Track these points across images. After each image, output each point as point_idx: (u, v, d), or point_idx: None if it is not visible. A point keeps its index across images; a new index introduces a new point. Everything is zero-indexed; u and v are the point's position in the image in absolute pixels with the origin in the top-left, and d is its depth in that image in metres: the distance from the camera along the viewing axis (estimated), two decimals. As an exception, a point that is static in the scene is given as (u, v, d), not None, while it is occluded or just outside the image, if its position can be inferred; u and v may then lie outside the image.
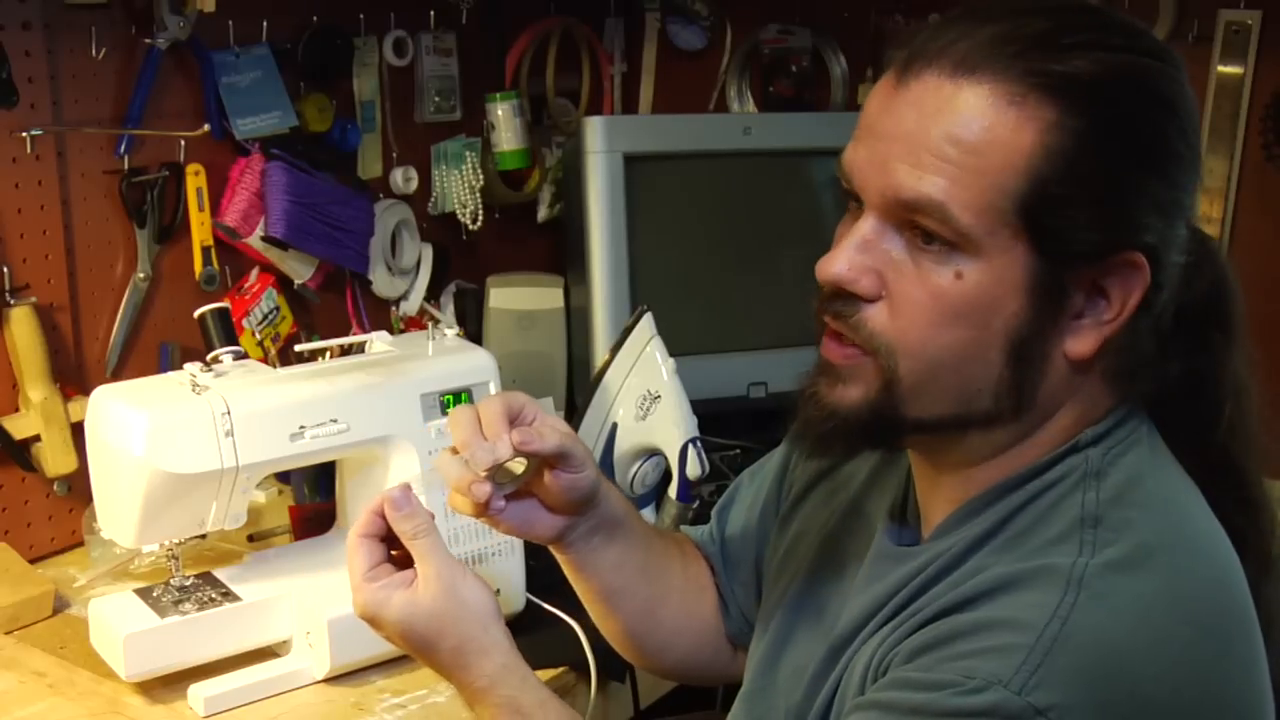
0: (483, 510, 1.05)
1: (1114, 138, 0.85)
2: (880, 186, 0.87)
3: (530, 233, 2.17)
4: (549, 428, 1.06)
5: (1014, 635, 0.81)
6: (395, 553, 1.07)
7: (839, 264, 0.89)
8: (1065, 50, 0.85)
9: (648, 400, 1.60)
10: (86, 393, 1.44)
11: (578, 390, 2.02)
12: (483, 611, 1.04)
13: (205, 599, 1.32)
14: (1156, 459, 0.92)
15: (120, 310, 1.63)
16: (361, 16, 1.86)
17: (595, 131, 1.87)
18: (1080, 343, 0.88)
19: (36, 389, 1.51)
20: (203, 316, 1.46)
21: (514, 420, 1.05)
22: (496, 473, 1.04)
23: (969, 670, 0.81)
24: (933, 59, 0.86)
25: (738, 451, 1.84)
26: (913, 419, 0.91)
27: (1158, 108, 0.87)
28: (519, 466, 1.08)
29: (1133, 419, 0.93)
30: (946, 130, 0.85)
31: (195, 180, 1.66)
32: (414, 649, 1.05)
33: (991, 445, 0.92)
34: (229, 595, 1.33)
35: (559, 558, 1.16)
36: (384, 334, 1.46)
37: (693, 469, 1.56)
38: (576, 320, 2.01)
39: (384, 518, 1.05)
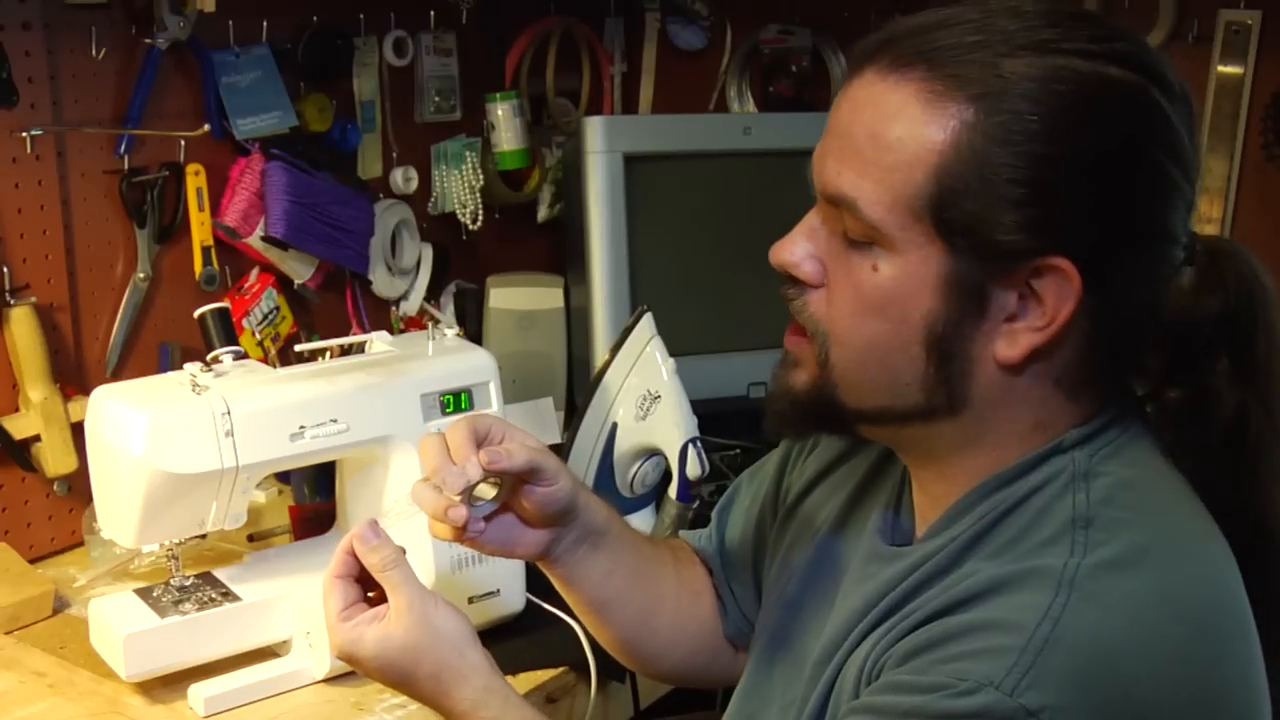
0: (462, 534, 1.05)
1: (1036, 141, 0.83)
2: (817, 182, 0.92)
3: (530, 233, 2.17)
4: (517, 445, 1.06)
5: (1005, 637, 0.81)
6: (372, 594, 1.07)
7: (785, 249, 0.94)
8: (1002, 53, 0.84)
9: (648, 400, 1.60)
10: (86, 393, 1.44)
11: (578, 390, 2.02)
12: (457, 637, 1.04)
13: (205, 599, 1.32)
14: (1148, 461, 0.92)
15: (120, 310, 1.63)
16: (361, 16, 1.86)
17: (595, 131, 1.87)
18: (1010, 347, 0.88)
19: (36, 389, 1.51)
20: (203, 316, 1.46)
21: (481, 442, 1.06)
22: (470, 496, 1.05)
23: (961, 672, 0.81)
24: (874, 56, 0.89)
25: (738, 451, 1.84)
26: (852, 408, 0.93)
27: (1105, 117, 0.84)
28: (492, 489, 1.09)
29: (1121, 422, 0.92)
30: (869, 127, 0.87)
31: (195, 180, 1.66)
32: (393, 681, 1.05)
33: (944, 441, 0.93)
34: (229, 595, 1.33)
35: (548, 574, 1.17)
36: (384, 334, 1.45)
37: (693, 469, 1.56)
38: (576, 320, 2.01)
39: (355, 556, 1.05)
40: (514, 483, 1.08)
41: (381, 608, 1.05)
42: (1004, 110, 0.83)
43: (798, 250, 0.93)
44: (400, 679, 1.04)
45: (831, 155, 0.90)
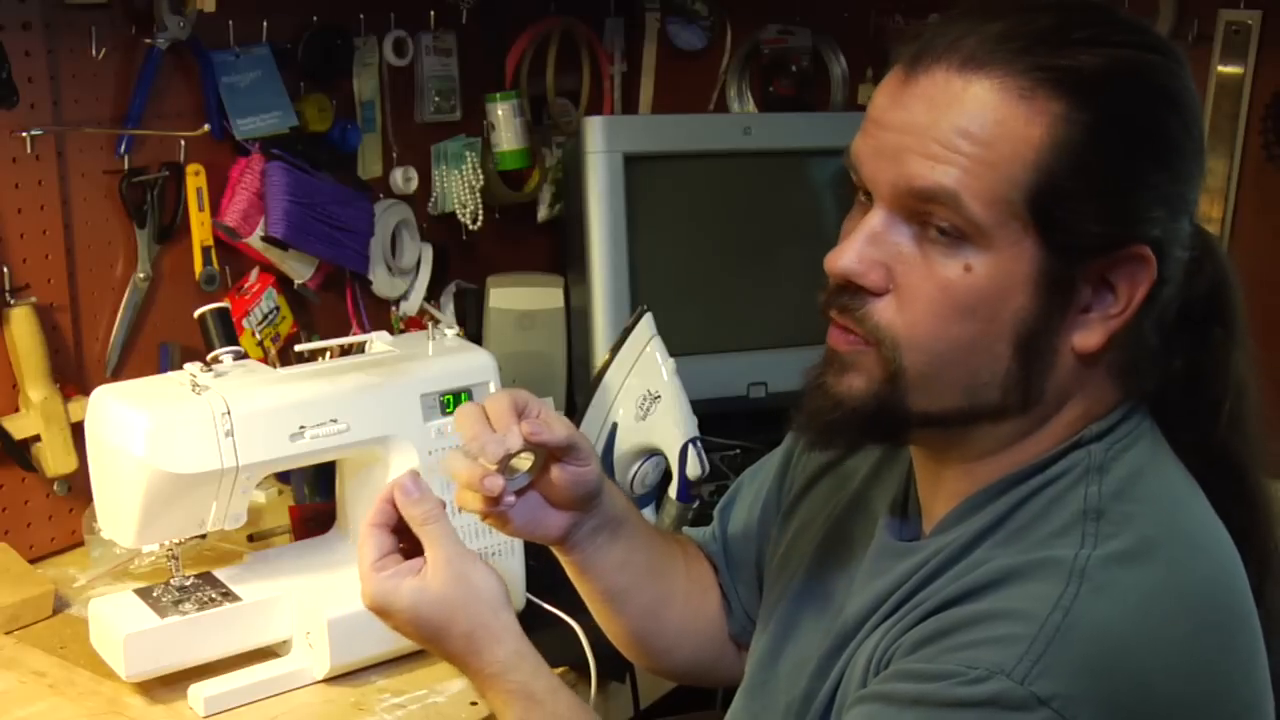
0: (493, 505, 1.04)
1: (1120, 131, 0.86)
2: (892, 178, 0.88)
3: (530, 233, 2.17)
4: (556, 419, 1.06)
5: (1016, 626, 0.82)
6: (403, 545, 1.06)
7: (848, 257, 0.89)
8: (1071, 45, 0.86)
9: (648, 400, 1.59)
10: (86, 393, 1.44)
11: (578, 390, 2.02)
12: (493, 597, 1.03)
13: (205, 599, 1.32)
14: (1158, 455, 0.93)
15: (120, 310, 1.63)
16: (361, 16, 1.86)
17: (595, 131, 1.87)
18: (1088, 336, 0.89)
19: (36, 389, 1.51)
20: (203, 316, 1.46)
21: (521, 414, 1.05)
22: (506, 467, 1.04)
23: (971, 660, 0.82)
24: (941, 54, 0.87)
25: (738, 451, 1.84)
26: (918, 412, 0.91)
27: (1161, 102, 0.88)
28: (527, 461, 1.08)
29: (1136, 415, 0.93)
30: (957, 123, 0.86)
31: (195, 180, 1.66)
32: (425, 637, 1.04)
33: (998, 439, 0.93)
34: (229, 595, 1.33)
35: (564, 560, 1.16)
36: (384, 334, 1.46)
37: (693, 469, 1.56)
38: (576, 320, 2.01)
39: (395, 506, 1.04)
40: (546, 460, 1.08)
41: (418, 560, 1.04)
42: (1092, 103, 0.85)
43: (862, 256, 0.89)
44: (432, 635, 1.03)
45: (913, 150, 0.87)
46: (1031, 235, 0.86)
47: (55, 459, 1.53)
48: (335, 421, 1.30)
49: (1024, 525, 0.89)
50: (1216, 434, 0.95)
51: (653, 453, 1.62)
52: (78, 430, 1.43)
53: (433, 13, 1.95)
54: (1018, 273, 0.86)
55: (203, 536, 1.37)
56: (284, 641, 1.34)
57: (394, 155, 1.95)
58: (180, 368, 1.29)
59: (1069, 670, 0.80)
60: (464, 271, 2.08)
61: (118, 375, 1.62)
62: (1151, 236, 0.87)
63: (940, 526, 0.95)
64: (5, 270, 1.49)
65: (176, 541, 1.31)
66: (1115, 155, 0.86)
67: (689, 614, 1.21)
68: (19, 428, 1.51)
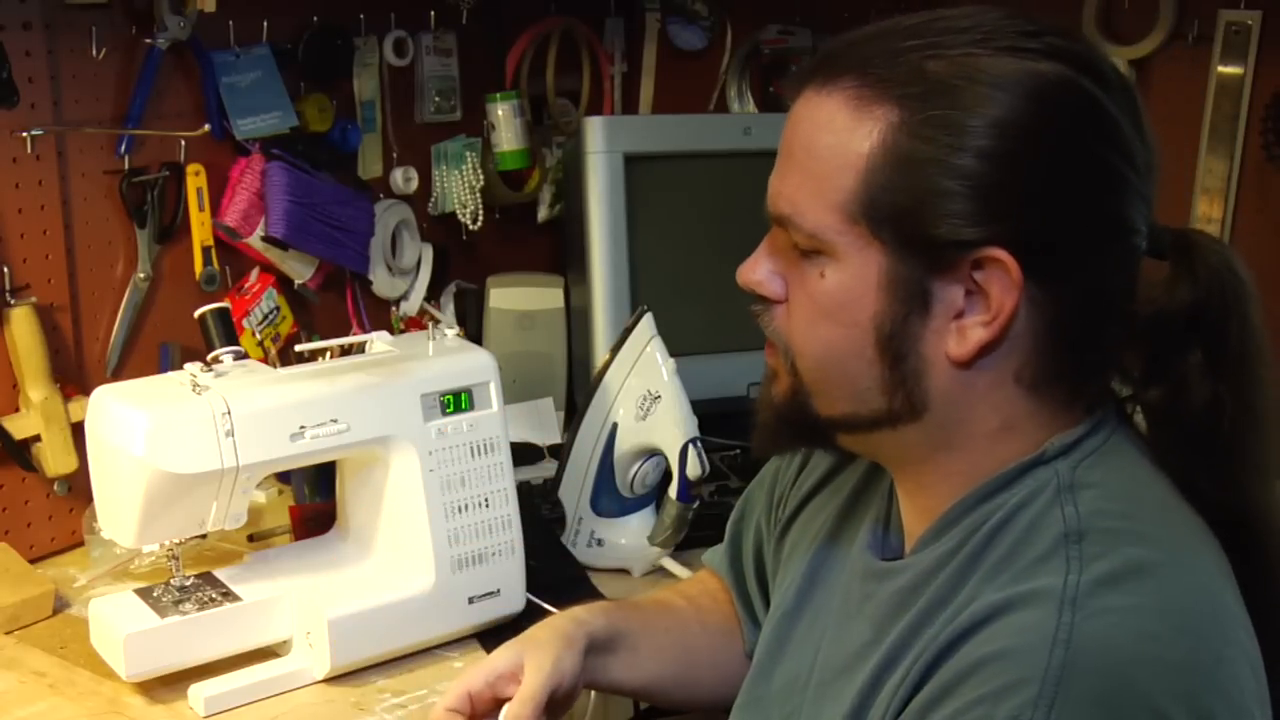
0: None
1: (962, 136, 0.84)
2: (766, 198, 0.94)
3: (530, 233, 2.17)
4: (535, 688, 1.06)
5: (1020, 669, 0.80)
6: None
7: (749, 269, 0.97)
8: (928, 55, 0.86)
9: (648, 400, 1.59)
10: (86, 393, 1.44)
11: (578, 390, 2.02)
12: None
13: (205, 599, 1.32)
14: (1133, 468, 0.91)
15: (120, 310, 1.63)
16: (361, 16, 1.86)
17: (595, 131, 1.88)
18: (959, 344, 0.88)
19: (36, 389, 1.51)
20: (203, 316, 1.46)
21: (495, 693, 1.07)
22: None
23: (987, 718, 0.79)
24: (814, 73, 0.90)
25: (738, 451, 1.84)
26: (825, 416, 0.94)
27: (1032, 111, 0.84)
28: None
29: (1103, 429, 0.91)
30: (803, 141, 0.90)
31: (195, 180, 1.66)
32: None
33: (914, 448, 0.93)
34: (229, 595, 1.33)
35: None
36: (384, 334, 1.46)
37: (693, 469, 1.56)
38: (576, 320, 2.01)
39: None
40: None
41: None
42: (927, 109, 0.85)
43: (760, 269, 0.96)
44: None
45: (775, 174, 0.93)
46: (876, 241, 0.87)
47: (55, 459, 1.53)
48: (335, 421, 1.30)
49: (1006, 554, 0.87)
50: (1200, 458, 0.91)
51: (653, 453, 1.62)
52: (78, 430, 1.43)
53: (433, 13, 1.95)
54: (868, 278, 0.88)
55: (203, 536, 1.37)
56: (284, 641, 1.34)
57: (394, 155, 1.95)
58: (180, 368, 1.29)
59: (1082, 708, 0.78)
60: (464, 271, 2.08)
61: (118, 375, 1.62)
62: (1016, 243, 0.85)
63: (917, 546, 0.95)
64: (5, 270, 1.49)
65: (176, 541, 1.31)
66: (954, 160, 0.84)
67: (718, 663, 1.22)
68: (19, 428, 1.51)
